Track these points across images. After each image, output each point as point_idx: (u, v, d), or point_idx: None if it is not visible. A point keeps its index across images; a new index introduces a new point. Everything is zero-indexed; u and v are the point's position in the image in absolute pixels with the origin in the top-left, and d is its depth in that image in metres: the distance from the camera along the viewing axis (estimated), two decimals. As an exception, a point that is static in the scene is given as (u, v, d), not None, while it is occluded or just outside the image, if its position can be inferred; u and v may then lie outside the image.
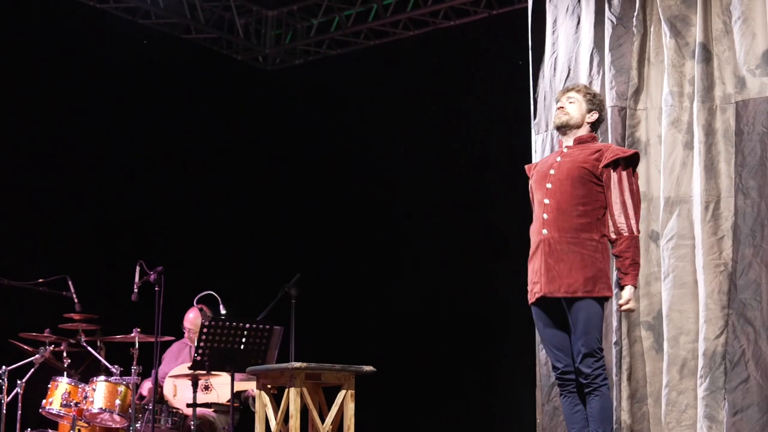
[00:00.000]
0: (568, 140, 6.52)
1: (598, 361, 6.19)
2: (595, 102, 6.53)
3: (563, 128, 6.53)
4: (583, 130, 6.51)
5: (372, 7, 11.78)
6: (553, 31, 8.80)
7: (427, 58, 11.62)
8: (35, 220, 10.11)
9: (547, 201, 6.36)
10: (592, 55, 8.43)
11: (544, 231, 6.32)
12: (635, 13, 8.25)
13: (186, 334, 9.26)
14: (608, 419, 6.23)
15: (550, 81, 8.75)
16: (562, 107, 6.53)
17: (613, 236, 6.26)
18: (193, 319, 9.11)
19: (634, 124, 8.19)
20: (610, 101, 8.16)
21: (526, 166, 6.83)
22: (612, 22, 8.32)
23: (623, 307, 6.25)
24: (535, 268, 6.39)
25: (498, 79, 10.48)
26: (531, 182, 6.66)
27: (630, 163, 6.34)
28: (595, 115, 6.52)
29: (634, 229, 6.23)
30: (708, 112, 7.90)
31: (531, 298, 6.42)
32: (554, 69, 8.74)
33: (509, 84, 9.78)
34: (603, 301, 6.25)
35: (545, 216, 6.34)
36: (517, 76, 9.30)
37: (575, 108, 6.51)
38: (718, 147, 7.87)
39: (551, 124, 8.51)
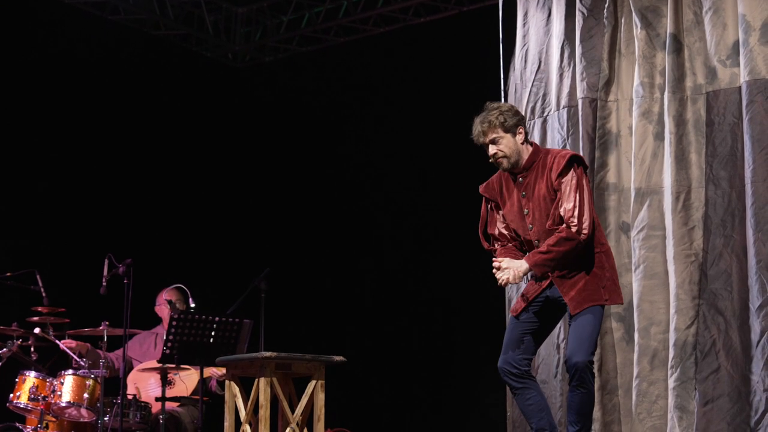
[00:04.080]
0: (519, 171, 6.24)
1: (590, 357, 6.02)
2: (510, 121, 6.18)
3: (512, 169, 6.24)
4: (524, 153, 6.22)
5: (342, 4, 11.75)
6: (524, 24, 8.82)
7: (398, 55, 11.59)
8: (2, 214, 10.01)
9: (537, 243, 6.17)
10: (562, 47, 8.45)
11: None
12: (606, 5, 8.28)
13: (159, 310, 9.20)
14: (589, 414, 6.18)
15: (521, 73, 8.78)
16: (494, 153, 6.20)
17: (553, 226, 6.07)
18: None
19: (605, 116, 8.21)
20: (581, 93, 8.20)
21: (480, 188, 6.50)
22: (583, 14, 8.35)
23: (495, 267, 6.01)
24: (535, 291, 6.23)
25: (468, 74, 10.46)
26: (495, 214, 6.42)
27: (573, 161, 6.11)
28: (521, 131, 6.21)
29: (573, 227, 5.97)
30: (679, 102, 7.93)
31: (515, 312, 6.29)
32: (525, 61, 8.76)
33: (480, 79, 9.77)
34: (604, 306, 6.14)
35: None
36: (487, 72, 9.30)
37: (505, 145, 6.18)
38: (688, 138, 7.90)
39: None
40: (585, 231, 5.99)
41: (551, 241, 6.01)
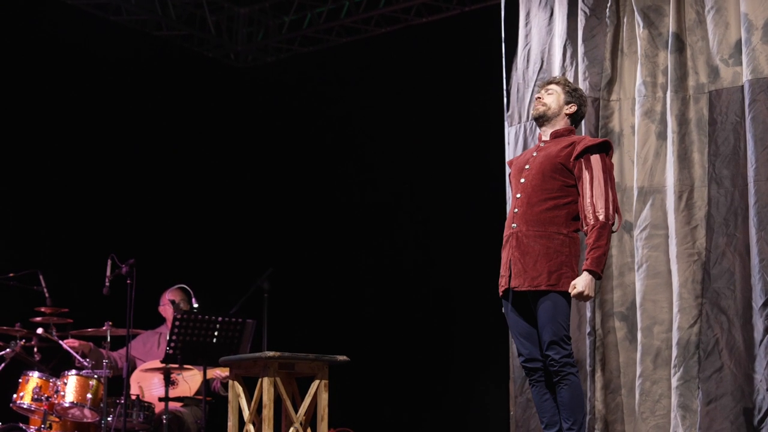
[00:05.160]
0: (546, 134, 6.48)
1: (566, 349, 6.14)
2: (574, 95, 6.49)
3: (540, 119, 6.49)
4: (561, 123, 6.46)
5: (344, 5, 11.76)
6: (526, 23, 8.81)
7: (400, 55, 11.59)
8: (5, 214, 10.02)
9: (519, 195, 6.34)
10: (565, 47, 8.44)
11: (514, 225, 6.29)
12: (608, 4, 8.26)
13: (163, 310, 9.20)
14: (579, 407, 6.18)
15: (523, 73, 8.76)
16: (540, 98, 6.50)
17: (585, 228, 6.18)
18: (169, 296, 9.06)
19: (607, 115, 8.19)
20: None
21: (508, 161, 6.82)
22: (585, 13, 8.33)
23: (572, 293, 6.09)
24: (503, 261, 6.37)
25: (470, 74, 10.47)
26: (509, 177, 6.65)
27: (602, 149, 6.27)
28: (573, 108, 6.47)
29: (600, 216, 6.10)
30: (681, 102, 7.92)
31: (500, 290, 6.40)
32: (527, 61, 8.75)
33: (482, 79, 9.78)
34: (568, 294, 6.17)
35: (516, 210, 6.32)
36: (489, 72, 9.30)
37: (553, 99, 6.47)
38: (691, 137, 7.89)
39: (524, 116, 8.55)
40: (604, 216, 6.12)
41: (591, 239, 6.11)
